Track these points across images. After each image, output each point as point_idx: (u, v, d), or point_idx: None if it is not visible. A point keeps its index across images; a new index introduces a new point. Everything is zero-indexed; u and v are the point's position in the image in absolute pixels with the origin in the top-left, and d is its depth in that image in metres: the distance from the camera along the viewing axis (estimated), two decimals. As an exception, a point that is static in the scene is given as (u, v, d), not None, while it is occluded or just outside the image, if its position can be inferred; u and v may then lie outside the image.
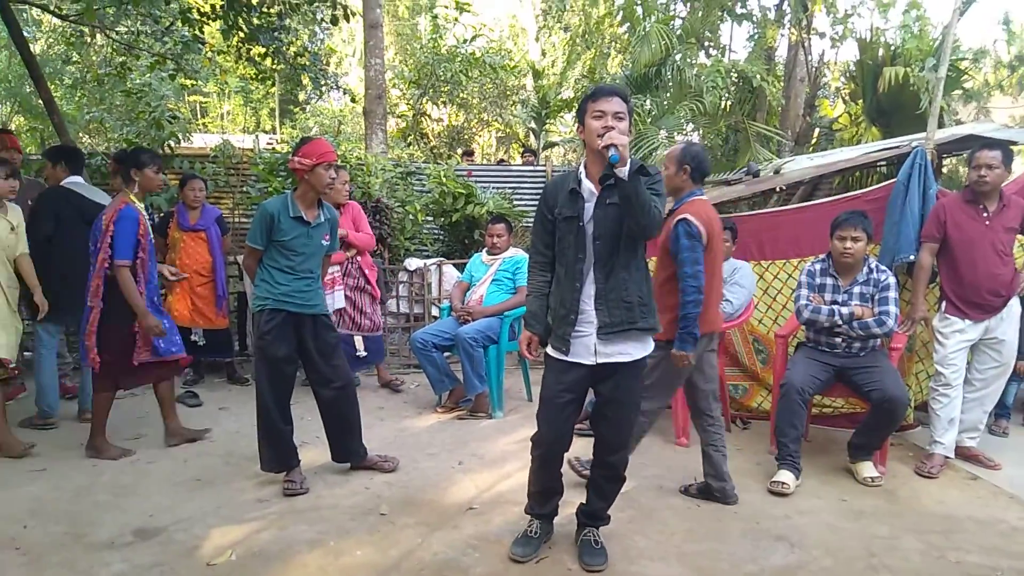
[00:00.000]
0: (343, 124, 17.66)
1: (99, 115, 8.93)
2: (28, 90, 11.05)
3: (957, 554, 2.84)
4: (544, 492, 2.83)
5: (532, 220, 2.83)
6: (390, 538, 2.93)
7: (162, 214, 5.79)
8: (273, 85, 7.84)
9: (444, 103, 13.50)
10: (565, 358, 2.61)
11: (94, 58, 10.11)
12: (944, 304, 3.82)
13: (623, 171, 2.33)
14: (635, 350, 2.60)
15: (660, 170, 2.84)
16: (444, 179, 7.07)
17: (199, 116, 17.47)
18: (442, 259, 6.41)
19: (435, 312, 6.17)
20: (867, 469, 3.59)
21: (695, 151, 3.23)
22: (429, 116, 13.43)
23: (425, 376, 4.77)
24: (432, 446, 4.07)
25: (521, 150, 13.07)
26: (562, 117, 14.35)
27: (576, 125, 2.65)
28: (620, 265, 2.54)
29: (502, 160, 14.37)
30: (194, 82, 8.14)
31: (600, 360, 2.57)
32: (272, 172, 7.17)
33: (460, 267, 6.40)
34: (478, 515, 3.16)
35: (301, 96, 14.92)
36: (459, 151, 12.70)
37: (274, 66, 6.86)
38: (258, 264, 3.40)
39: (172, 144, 7.78)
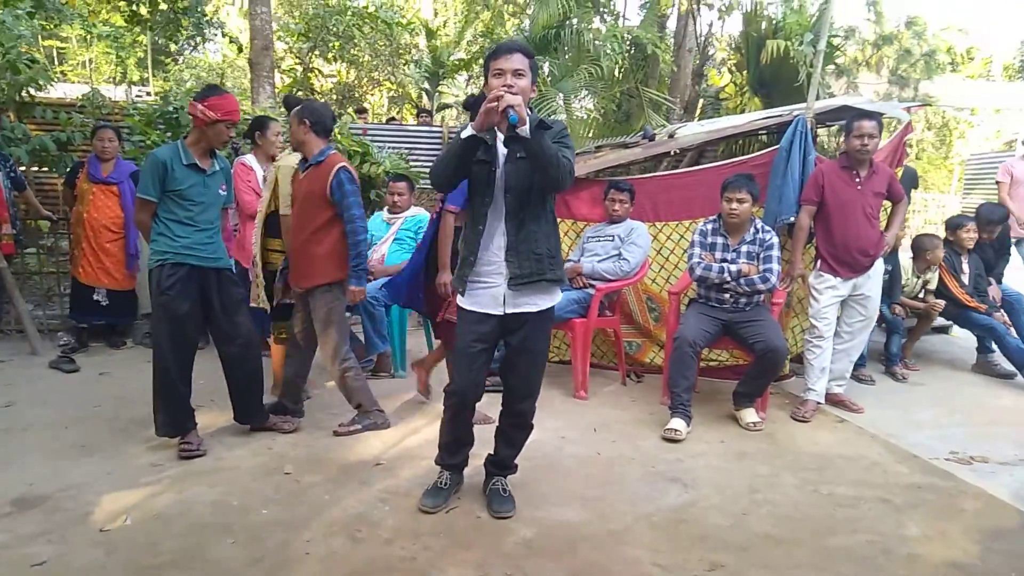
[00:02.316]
0: (223, 78, 16.69)
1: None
2: None
3: (828, 487, 3.13)
4: (455, 443, 2.88)
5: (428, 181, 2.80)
6: (297, 496, 2.89)
7: (70, 167, 5.55)
8: (151, 30, 7.25)
9: (334, 59, 13.01)
10: (476, 309, 2.65)
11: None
12: (819, 262, 4.13)
13: (524, 129, 2.35)
14: (543, 301, 2.67)
15: (563, 122, 2.89)
16: (339, 137, 6.85)
17: (56, 63, 16.03)
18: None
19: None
20: (750, 415, 3.87)
21: (314, 107, 3.47)
22: (320, 72, 12.92)
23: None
24: (334, 406, 4.00)
25: (416, 111, 12.84)
26: (455, 79, 14.19)
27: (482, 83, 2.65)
28: (530, 218, 2.58)
29: (392, 119, 14.06)
30: (55, 23, 7.40)
31: (509, 310, 2.63)
32: (150, 124, 6.71)
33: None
34: (386, 470, 3.17)
35: (173, 47, 13.97)
36: (350, 109, 12.31)
37: (150, 9, 6.35)
38: (152, 218, 3.21)
39: (32, 91, 7.11)
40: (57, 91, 10.17)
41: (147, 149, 6.47)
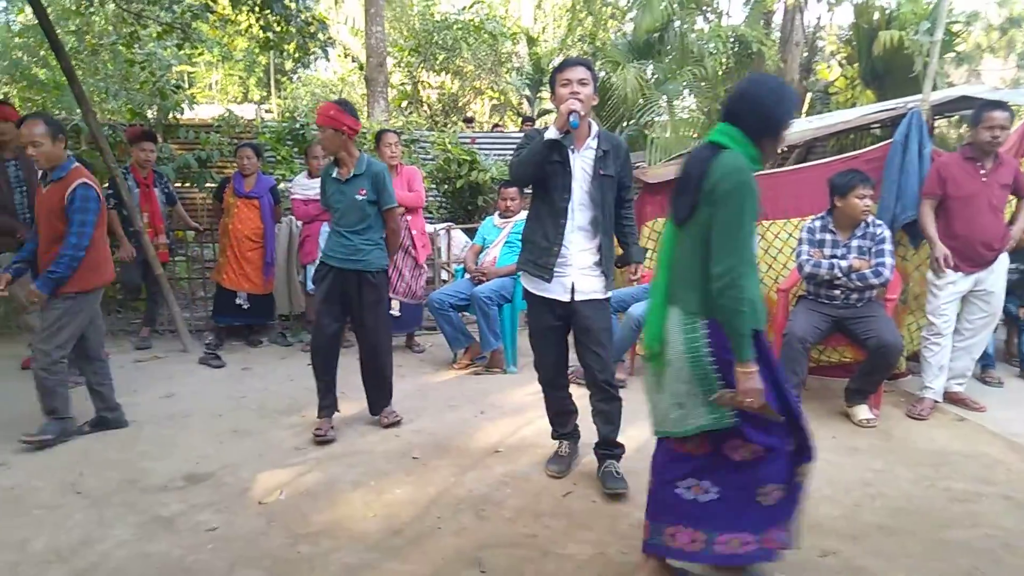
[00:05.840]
0: (334, 94, 17.60)
1: (97, 84, 8.95)
2: (26, 59, 10.99)
3: (946, 483, 3.10)
4: (561, 413, 3.25)
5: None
6: (425, 478, 3.17)
7: (215, 183, 6.43)
8: (281, 53, 7.88)
9: (440, 71, 13.53)
10: (544, 295, 2.97)
11: (106, 26, 10.01)
12: (938, 257, 4.03)
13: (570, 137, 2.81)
14: (605, 291, 3.01)
15: (624, 142, 3.16)
16: (449, 146, 7.21)
17: (187, 86, 17.46)
18: (451, 224, 6.58)
19: (444, 276, 6.35)
20: (863, 412, 3.84)
21: (59, 121, 3.62)
22: (428, 84, 13.46)
23: (442, 335, 4.98)
24: (453, 399, 4.29)
25: (520, 119, 13.15)
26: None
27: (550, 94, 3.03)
28: (608, 225, 2.99)
29: (496, 125, 14.45)
30: (200, 51, 8.17)
31: (577, 298, 2.94)
32: (279, 140, 7.30)
33: (467, 231, 6.57)
34: (504, 457, 3.40)
35: (288, 66, 14.99)
36: (457, 119, 12.76)
37: (282, 33, 6.93)
38: None
39: (176, 115, 7.89)
40: (188, 112, 11.19)
41: (277, 164, 7.07)
